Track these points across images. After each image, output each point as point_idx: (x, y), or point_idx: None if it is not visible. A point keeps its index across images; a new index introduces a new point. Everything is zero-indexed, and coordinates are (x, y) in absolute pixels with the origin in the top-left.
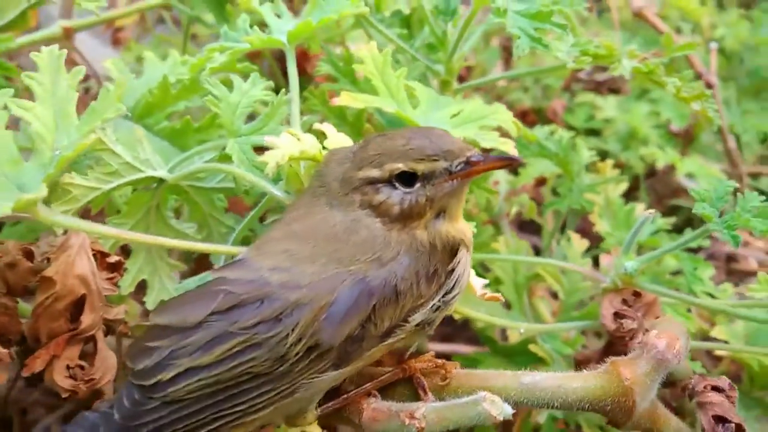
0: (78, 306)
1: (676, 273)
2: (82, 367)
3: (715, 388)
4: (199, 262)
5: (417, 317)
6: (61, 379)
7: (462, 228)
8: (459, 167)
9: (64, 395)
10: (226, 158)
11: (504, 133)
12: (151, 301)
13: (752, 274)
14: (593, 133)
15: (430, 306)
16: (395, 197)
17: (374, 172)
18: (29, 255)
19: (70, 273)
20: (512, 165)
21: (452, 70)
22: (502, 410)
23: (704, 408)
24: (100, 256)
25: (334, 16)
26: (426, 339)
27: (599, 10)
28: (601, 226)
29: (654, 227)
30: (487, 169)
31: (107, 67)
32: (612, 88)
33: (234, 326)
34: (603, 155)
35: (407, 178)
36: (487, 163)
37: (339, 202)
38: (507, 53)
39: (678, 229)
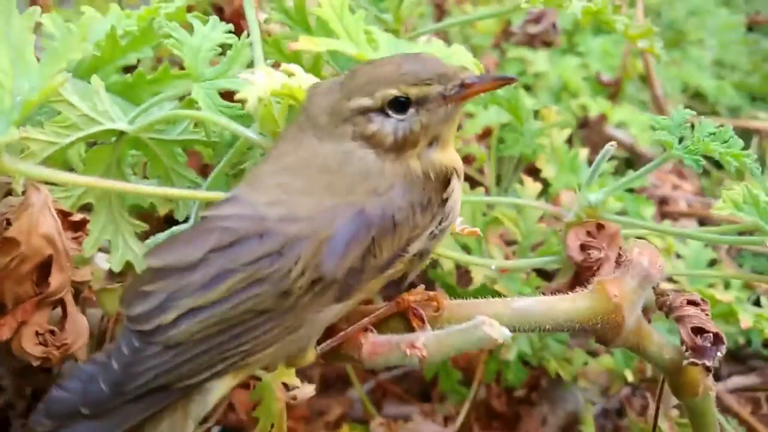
0: (44, 268)
1: (621, 214)
2: (52, 332)
3: (691, 302)
4: (161, 222)
5: (414, 247)
6: (30, 346)
7: (453, 156)
8: (453, 90)
9: (36, 363)
10: (188, 106)
11: None
12: (115, 262)
13: (684, 215)
14: (525, 88)
15: (427, 235)
16: (388, 126)
17: (366, 101)
18: None
19: (35, 232)
20: (508, 84)
21: (400, 18)
22: (501, 333)
23: (682, 321)
24: (62, 215)
25: None
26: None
27: None
28: (548, 171)
29: (598, 170)
30: (482, 90)
31: (45, 23)
32: (545, 40)
33: (235, 262)
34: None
35: (400, 105)
36: (483, 84)
37: (329, 134)
38: (440, 11)
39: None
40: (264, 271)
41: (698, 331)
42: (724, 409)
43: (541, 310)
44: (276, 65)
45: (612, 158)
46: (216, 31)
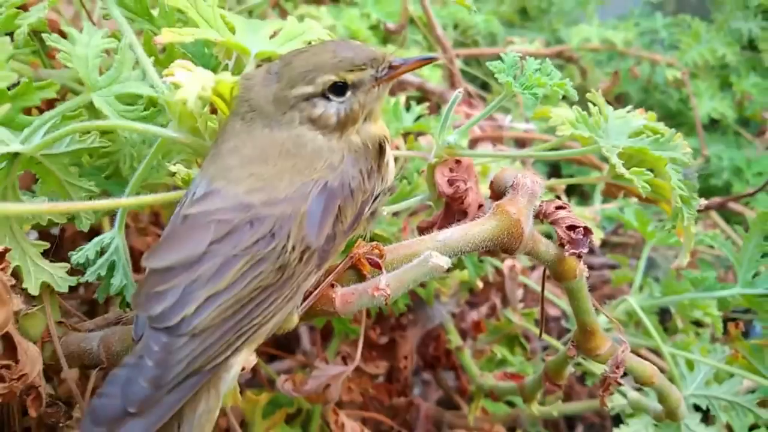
0: None
1: None
2: (8, 367)
3: (559, 207)
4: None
5: (367, 209)
6: None
7: (382, 126)
8: (383, 72)
9: None
10: (69, 120)
11: None
12: (32, 285)
13: (480, 139)
14: None
15: (375, 196)
16: (331, 109)
17: (308, 89)
18: None
19: None
20: (429, 63)
21: None
22: (445, 261)
23: (557, 223)
24: None
25: None
26: None
27: None
28: None
29: (414, 114)
30: (408, 70)
31: None
32: None
33: (236, 249)
34: None
35: (339, 89)
36: (408, 65)
37: (277, 122)
38: None
39: None
40: (262, 252)
41: (571, 228)
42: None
43: (460, 236)
44: None
45: (407, 97)
46: (95, 37)
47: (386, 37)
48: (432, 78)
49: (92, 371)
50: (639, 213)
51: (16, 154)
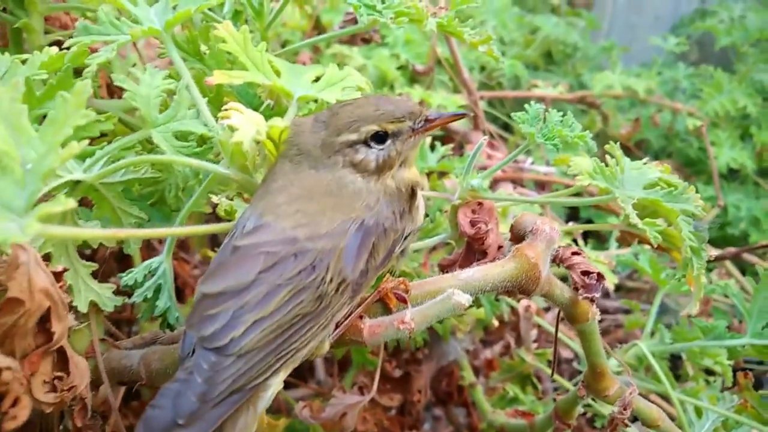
0: (42, 320)
1: None
2: (60, 378)
3: (575, 253)
4: (108, 259)
5: (398, 248)
6: (42, 395)
7: (415, 172)
8: (420, 124)
9: (48, 410)
10: (125, 152)
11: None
12: (81, 303)
13: (500, 180)
14: None
15: (405, 236)
16: (371, 155)
17: (352, 136)
18: None
19: (35, 288)
20: (462, 118)
21: (267, 38)
22: (466, 299)
23: (572, 268)
24: None
25: (211, 3)
26: None
27: None
28: None
29: (439, 154)
30: (441, 124)
31: None
32: (364, 38)
33: (281, 278)
34: None
35: (380, 138)
36: (442, 119)
37: (323, 164)
38: None
39: None
40: (304, 282)
41: (585, 273)
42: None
43: (480, 277)
44: None
45: (432, 136)
46: (156, 79)
47: (413, 77)
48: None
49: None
50: (653, 260)
51: (77, 182)
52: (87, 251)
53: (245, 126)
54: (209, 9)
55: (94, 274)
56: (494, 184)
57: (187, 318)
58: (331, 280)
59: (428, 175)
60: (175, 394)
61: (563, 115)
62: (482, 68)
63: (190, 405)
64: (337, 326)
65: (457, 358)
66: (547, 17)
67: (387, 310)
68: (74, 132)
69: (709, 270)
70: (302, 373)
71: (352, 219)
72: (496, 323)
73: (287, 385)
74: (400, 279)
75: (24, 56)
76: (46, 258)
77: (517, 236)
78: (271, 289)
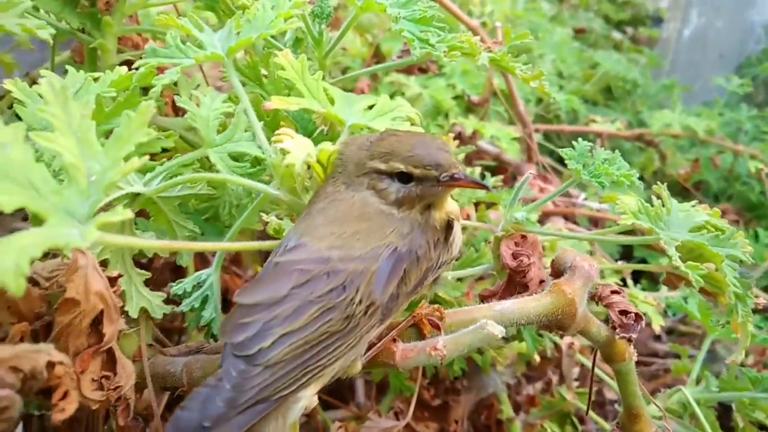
0: (96, 321)
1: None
2: (107, 378)
3: (614, 292)
4: (162, 270)
5: (431, 276)
6: (89, 392)
7: (449, 210)
8: (445, 179)
9: (95, 407)
10: (184, 169)
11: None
12: (132, 308)
13: (552, 213)
14: None
15: (438, 265)
16: (393, 188)
17: (381, 166)
18: (33, 281)
19: (90, 291)
20: (483, 189)
21: (325, 66)
22: (499, 330)
23: (611, 306)
24: None
25: (272, 32)
26: None
27: None
28: None
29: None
30: (464, 185)
31: (7, 87)
32: (420, 67)
33: (312, 296)
34: None
35: (405, 177)
36: (465, 182)
37: (352, 181)
38: None
39: None
40: (334, 301)
41: (623, 312)
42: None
43: (517, 309)
44: None
45: (483, 166)
46: (216, 101)
47: (469, 107)
48: (510, 150)
49: (166, 393)
50: (702, 304)
51: (137, 194)
52: (143, 260)
53: (296, 150)
54: (271, 36)
55: (147, 282)
56: (544, 217)
57: (222, 324)
58: (360, 302)
59: (476, 205)
60: (204, 398)
61: (611, 153)
62: (539, 101)
63: (217, 409)
64: (370, 347)
65: (496, 391)
66: (608, 53)
67: (421, 336)
68: (137, 148)
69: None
70: (343, 395)
71: (385, 245)
72: (537, 359)
73: (327, 405)
74: (436, 306)
75: (96, 74)
76: (104, 264)
77: (558, 271)
78: (302, 304)
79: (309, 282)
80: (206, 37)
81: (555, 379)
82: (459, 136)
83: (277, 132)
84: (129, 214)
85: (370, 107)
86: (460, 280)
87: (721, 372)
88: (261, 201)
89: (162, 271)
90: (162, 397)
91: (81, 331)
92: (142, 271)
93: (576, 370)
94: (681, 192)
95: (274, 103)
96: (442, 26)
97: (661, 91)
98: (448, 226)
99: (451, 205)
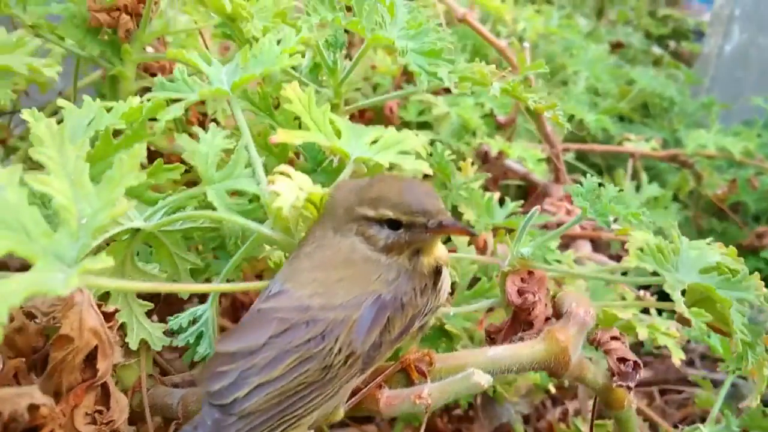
0: (90, 356)
1: None
2: (100, 412)
3: (614, 338)
4: (166, 299)
5: (417, 323)
6: (82, 426)
7: (438, 255)
8: (433, 225)
9: None
10: (188, 203)
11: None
12: (132, 340)
13: (578, 237)
14: (425, 126)
15: (425, 312)
16: (381, 234)
17: (370, 212)
18: (31, 316)
19: (84, 327)
20: (469, 235)
21: (340, 94)
22: (486, 379)
23: (609, 353)
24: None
25: (276, 68)
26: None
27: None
28: (469, 215)
29: (507, 210)
30: (452, 233)
31: (25, 117)
32: (446, 88)
33: (290, 345)
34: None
35: (393, 224)
36: (452, 229)
37: (340, 227)
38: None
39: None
40: (312, 351)
41: (622, 360)
42: None
43: (509, 356)
44: None
45: (510, 186)
46: (217, 137)
47: (498, 125)
48: (537, 171)
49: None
50: (724, 339)
51: (137, 230)
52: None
53: (287, 192)
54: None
55: (155, 309)
56: (571, 241)
57: (200, 371)
58: (339, 351)
59: (494, 230)
60: None
61: (619, 191)
62: (570, 117)
63: None
64: (354, 394)
65: (510, 421)
66: (644, 70)
67: (409, 381)
68: (142, 182)
69: None
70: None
71: (369, 293)
72: (553, 389)
73: (342, 424)
74: (425, 351)
75: (110, 104)
76: (107, 296)
77: (558, 312)
78: (279, 354)
79: (288, 331)
80: (213, 72)
81: (571, 410)
82: (485, 156)
83: (275, 170)
84: (110, 262)
85: (377, 140)
86: (477, 311)
87: (744, 410)
88: (255, 240)
89: (168, 300)
90: (168, 428)
91: (75, 367)
92: (145, 303)
93: (591, 403)
94: (717, 213)
95: (280, 136)
96: (451, 59)
97: (699, 109)
98: (437, 271)
99: (440, 250)
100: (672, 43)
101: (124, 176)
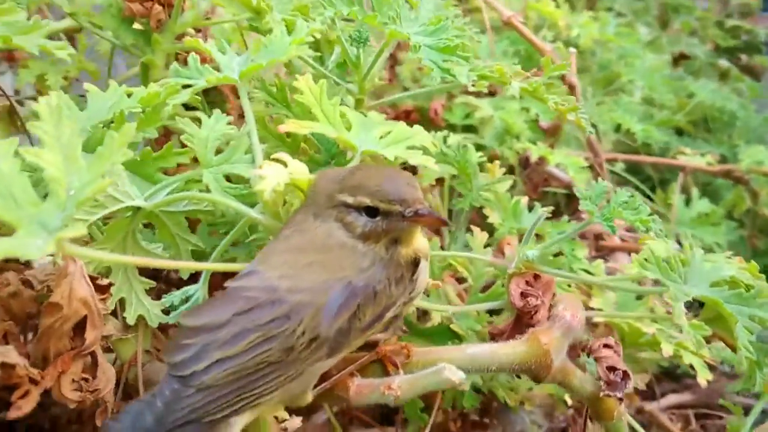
0: (80, 325)
1: (558, 254)
2: (86, 380)
3: (606, 346)
4: (167, 279)
5: (390, 312)
6: (68, 392)
7: (417, 247)
8: (410, 214)
9: (72, 406)
10: (191, 185)
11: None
12: (130, 316)
13: (616, 249)
14: (470, 129)
15: (400, 303)
16: (360, 221)
17: (349, 199)
18: (28, 283)
19: (74, 297)
20: (443, 225)
21: (364, 89)
22: (458, 376)
23: (600, 361)
24: (91, 280)
25: (283, 59)
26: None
27: (468, 9)
28: (494, 218)
29: (536, 216)
30: (426, 222)
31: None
32: (490, 91)
33: (253, 323)
34: (479, 148)
35: (371, 211)
36: (428, 218)
37: (321, 213)
38: (392, 60)
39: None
40: (274, 331)
41: (611, 369)
42: (659, 427)
43: (488, 354)
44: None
45: (547, 195)
46: (219, 123)
47: (542, 130)
48: (578, 179)
49: None
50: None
51: (138, 208)
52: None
53: (270, 177)
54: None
55: (151, 292)
56: (609, 253)
57: (165, 345)
58: (303, 334)
59: (520, 237)
60: (136, 412)
61: (630, 196)
62: (618, 127)
63: (147, 425)
64: (324, 379)
65: (524, 430)
66: (706, 82)
67: (385, 372)
68: (152, 164)
69: None
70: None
71: (339, 278)
72: (569, 401)
73: (365, 424)
74: (403, 344)
75: (133, 89)
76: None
77: (551, 316)
78: (241, 331)
79: (253, 309)
80: (225, 60)
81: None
82: (526, 161)
83: (272, 157)
84: (83, 230)
85: (387, 134)
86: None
87: None
88: (244, 223)
89: (168, 278)
90: None
91: (63, 334)
92: (146, 280)
93: None
94: None
95: (288, 126)
96: (466, 55)
97: (763, 124)
98: (415, 263)
99: (420, 242)
100: (744, 57)
101: (114, 153)
